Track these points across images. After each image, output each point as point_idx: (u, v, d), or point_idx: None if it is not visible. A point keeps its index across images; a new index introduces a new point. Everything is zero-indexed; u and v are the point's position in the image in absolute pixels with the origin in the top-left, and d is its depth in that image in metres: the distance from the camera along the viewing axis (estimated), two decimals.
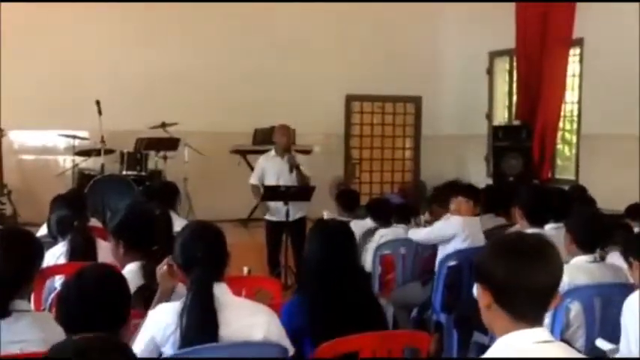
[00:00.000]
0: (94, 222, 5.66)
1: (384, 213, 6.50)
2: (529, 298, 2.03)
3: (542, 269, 2.03)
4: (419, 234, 5.82)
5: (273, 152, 7.87)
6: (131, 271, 3.42)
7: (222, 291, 2.89)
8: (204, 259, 2.88)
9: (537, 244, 2.08)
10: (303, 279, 3.37)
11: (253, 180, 7.89)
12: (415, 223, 6.65)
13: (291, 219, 7.54)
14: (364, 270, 3.57)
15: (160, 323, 2.82)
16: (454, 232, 5.50)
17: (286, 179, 7.67)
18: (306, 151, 10.09)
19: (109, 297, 2.44)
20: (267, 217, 7.81)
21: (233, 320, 2.83)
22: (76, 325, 2.32)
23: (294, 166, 7.63)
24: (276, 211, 7.62)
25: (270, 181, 7.69)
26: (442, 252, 5.53)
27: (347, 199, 7.25)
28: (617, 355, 3.39)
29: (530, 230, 4.55)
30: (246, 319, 2.86)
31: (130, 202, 5.75)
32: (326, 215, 6.98)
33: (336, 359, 2.95)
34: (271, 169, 7.77)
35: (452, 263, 5.37)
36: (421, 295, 5.64)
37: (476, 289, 2.12)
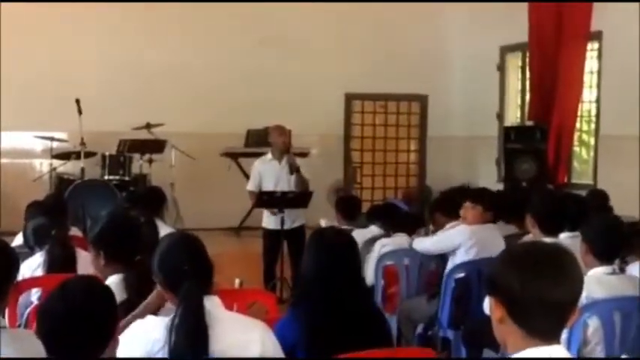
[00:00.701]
0: (75, 231, 5.66)
1: (394, 218, 6.51)
2: (545, 313, 2.03)
3: (560, 281, 2.03)
4: (423, 243, 5.82)
5: (269, 155, 7.86)
6: (112, 284, 3.41)
7: (213, 304, 2.90)
8: (191, 271, 2.89)
9: (555, 253, 2.08)
10: (300, 292, 3.36)
11: (251, 187, 7.86)
12: (424, 233, 6.64)
13: (288, 227, 7.54)
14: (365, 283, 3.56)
15: (148, 338, 2.82)
16: (459, 242, 5.50)
17: (285, 184, 7.66)
18: (303, 154, 10.08)
19: (96, 311, 2.44)
20: (265, 225, 7.79)
21: (226, 336, 2.83)
22: (60, 342, 2.32)
23: (294, 169, 7.61)
24: (275, 218, 7.61)
25: (268, 187, 7.68)
26: (452, 263, 5.53)
27: (347, 205, 7.25)
28: None
29: (544, 239, 4.55)
30: (240, 334, 2.87)
31: (112, 209, 5.75)
32: (323, 223, 6.97)
33: None
34: (268, 173, 7.75)
35: (460, 275, 5.37)
36: (427, 311, 5.63)
37: (487, 302, 2.12)
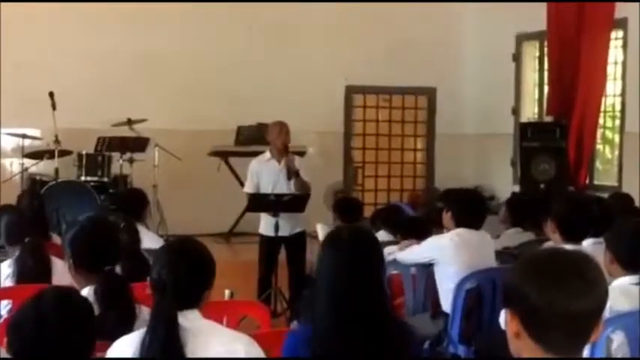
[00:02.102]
0: (56, 238, 5.66)
1: (399, 223, 6.51)
2: (566, 326, 2.03)
3: (582, 292, 2.03)
4: (404, 252, 5.81)
5: (267, 155, 7.84)
6: (88, 296, 3.41)
7: (192, 318, 2.93)
8: (172, 281, 2.91)
9: (577, 261, 2.08)
10: (312, 303, 3.17)
11: (248, 189, 7.84)
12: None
13: (288, 234, 7.54)
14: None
15: (121, 356, 2.86)
16: (429, 255, 5.53)
17: (284, 187, 7.66)
18: (299, 153, 10.07)
19: (73, 325, 2.43)
20: (263, 231, 7.77)
21: (207, 348, 2.85)
22: (33, 358, 2.32)
23: (293, 172, 7.59)
24: (270, 224, 7.60)
25: (266, 190, 7.68)
26: (438, 274, 5.54)
27: (346, 208, 7.24)
28: None
29: (565, 246, 4.55)
30: (222, 347, 2.89)
31: (90, 213, 5.75)
32: (320, 229, 6.97)
33: None
34: (266, 175, 7.74)
35: (470, 286, 5.37)
36: (432, 327, 5.62)
37: (503, 315, 2.12)
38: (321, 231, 7.01)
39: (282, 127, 7.81)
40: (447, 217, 5.63)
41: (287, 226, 7.58)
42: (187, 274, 2.97)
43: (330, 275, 3.09)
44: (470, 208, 5.63)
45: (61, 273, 4.06)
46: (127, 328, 3.12)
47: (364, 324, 3.02)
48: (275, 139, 7.75)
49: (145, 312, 3.21)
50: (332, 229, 3.50)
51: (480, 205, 5.81)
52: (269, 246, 7.64)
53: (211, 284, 3.04)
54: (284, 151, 7.68)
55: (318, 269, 3.17)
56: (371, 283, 3.09)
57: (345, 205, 7.34)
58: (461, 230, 5.50)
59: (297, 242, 7.57)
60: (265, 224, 7.71)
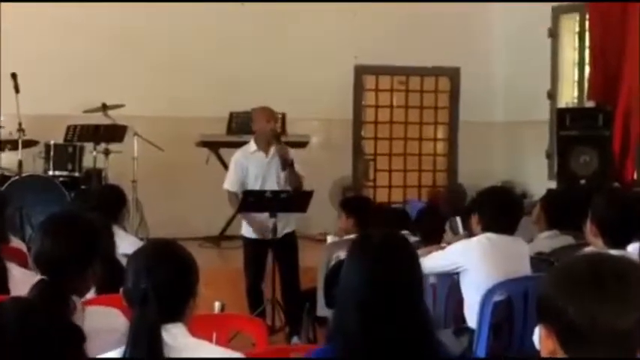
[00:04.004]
0: (16, 242, 5.66)
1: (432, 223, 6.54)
2: (608, 345, 2.02)
3: (628, 306, 2.02)
4: (429, 261, 5.80)
5: (252, 146, 7.88)
6: None
7: (177, 332, 2.94)
8: (152, 289, 2.91)
9: (622, 269, 2.07)
10: (338, 319, 3.10)
11: (229, 185, 7.87)
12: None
13: (277, 235, 7.55)
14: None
15: None
16: (453, 261, 5.54)
17: (273, 182, 7.70)
18: (301, 144, 10.09)
19: (36, 341, 2.44)
20: (245, 233, 7.80)
21: None
22: None
23: (287, 162, 7.61)
24: (256, 225, 7.62)
25: (253, 186, 7.71)
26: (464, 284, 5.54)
27: (355, 207, 7.23)
28: None
29: (609, 252, 4.55)
30: None
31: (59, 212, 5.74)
32: (330, 239, 6.98)
33: None
34: (253, 169, 7.78)
35: (499, 297, 5.37)
36: (455, 345, 5.63)
37: (537, 332, 2.12)
38: (332, 241, 7.02)
39: (270, 113, 7.89)
40: (474, 221, 5.63)
41: (277, 225, 7.60)
42: (168, 279, 2.97)
43: (359, 289, 3.01)
44: (500, 210, 5.61)
45: (19, 282, 4.06)
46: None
47: (404, 349, 2.96)
48: (262, 126, 7.80)
49: (123, 325, 3.20)
50: (360, 234, 3.41)
51: (513, 206, 5.80)
52: (254, 249, 7.66)
53: (196, 291, 3.04)
54: (275, 140, 7.71)
55: (343, 281, 3.10)
56: (411, 299, 3.02)
57: (354, 205, 7.31)
58: (491, 234, 5.49)
59: (287, 244, 7.58)
60: (247, 226, 7.76)
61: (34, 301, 3.10)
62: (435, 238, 6.44)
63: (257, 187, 7.67)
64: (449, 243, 6.42)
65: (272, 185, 7.67)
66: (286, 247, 7.58)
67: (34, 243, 3.51)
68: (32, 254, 3.51)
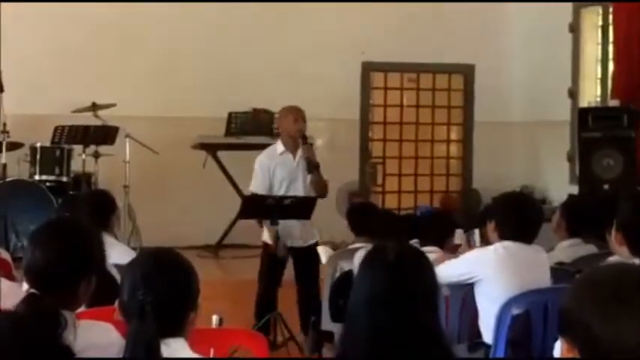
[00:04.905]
0: (2, 252, 5.68)
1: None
2: None
3: None
4: (442, 270, 5.79)
5: (280, 147, 7.87)
6: None
7: (177, 346, 2.95)
8: (151, 301, 2.91)
9: None
10: (348, 335, 3.10)
11: (255, 189, 7.81)
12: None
13: (300, 245, 7.57)
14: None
15: None
16: (468, 271, 5.54)
17: (301, 187, 7.71)
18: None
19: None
20: (267, 239, 7.76)
21: None
22: None
23: (313, 165, 7.63)
24: (282, 231, 7.58)
25: (279, 191, 7.69)
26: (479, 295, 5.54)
27: (362, 216, 7.24)
28: None
29: (635, 262, 4.54)
30: None
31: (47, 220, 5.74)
32: (322, 252, 7.00)
33: None
34: (280, 172, 7.76)
35: (517, 311, 5.37)
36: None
37: (558, 346, 2.12)
38: (324, 254, 7.02)
39: (298, 112, 7.90)
40: (490, 229, 5.63)
41: (301, 234, 7.58)
42: (168, 291, 2.98)
43: (369, 307, 3.01)
44: (518, 217, 5.61)
45: (6, 295, 4.06)
46: None
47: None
48: (290, 126, 7.80)
49: (116, 338, 3.21)
50: (373, 246, 3.33)
51: (531, 212, 5.79)
52: (273, 256, 7.64)
53: (196, 304, 3.05)
54: (302, 141, 7.74)
55: (354, 296, 3.10)
56: (425, 315, 3.02)
57: (360, 213, 7.32)
58: (508, 243, 5.49)
59: (309, 255, 7.56)
60: (270, 230, 7.73)
61: (25, 316, 3.10)
62: (443, 245, 6.42)
63: (281, 192, 7.65)
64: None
65: (298, 190, 7.66)
66: (309, 259, 7.56)
67: (25, 254, 3.51)
68: (23, 266, 3.50)
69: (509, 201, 5.87)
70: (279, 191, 7.68)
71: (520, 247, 5.48)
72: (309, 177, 7.69)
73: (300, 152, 7.75)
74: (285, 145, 7.82)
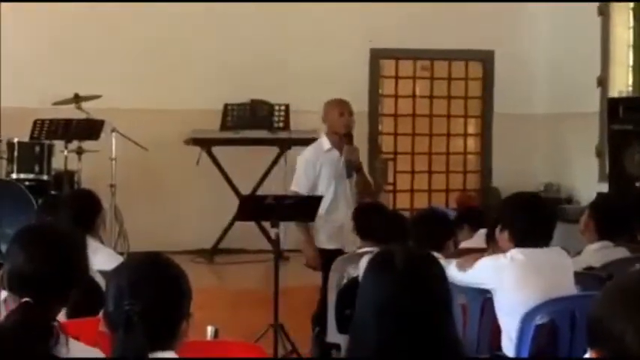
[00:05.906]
0: None
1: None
2: None
3: None
4: (460, 273, 5.78)
5: (326, 143, 7.90)
6: None
7: None
8: (139, 311, 2.92)
9: None
10: (354, 346, 3.12)
11: (297, 187, 7.81)
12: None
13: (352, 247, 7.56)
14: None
15: None
16: (483, 279, 5.54)
17: (346, 185, 7.74)
18: (308, 140, 10.07)
19: None
20: (321, 244, 7.73)
21: None
22: None
23: (355, 167, 7.68)
24: (332, 233, 7.62)
25: (323, 191, 7.69)
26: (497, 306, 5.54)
27: (368, 218, 7.23)
28: None
29: None
30: None
31: (25, 223, 5.75)
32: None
33: None
34: (326, 170, 7.79)
35: (541, 320, 5.38)
36: None
37: (588, 357, 2.11)
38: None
39: (344, 106, 8.00)
40: (502, 237, 5.60)
41: (354, 237, 7.40)
42: (156, 299, 2.99)
43: (376, 316, 3.02)
44: (531, 220, 5.60)
45: None
46: None
47: None
48: (334, 121, 7.86)
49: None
50: (379, 251, 3.36)
51: (543, 212, 5.78)
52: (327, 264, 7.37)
53: (188, 313, 3.04)
54: (346, 139, 7.78)
55: (360, 304, 3.11)
56: (437, 324, 3.03)
57: (368, 214, 7.32)
58: (525, 249, 5.48)
59: None
60: (327, 233, 7.71)
61: (16, 327, 3.11)
62: (441, 249, 6.40)
63: (329, 192, 7.68)
64: None
65: (345, 189, 7.72)
66: None
67: (7, 260, 3.51)
68: (5, 273, 3.51)
69: (518, 205, 5.84)
70: (326, 192, 7.67)
71: (538, 252, 5.47)
72: (354, 177, 7.71)
73: (345, 149, 7.76)
74: (332, 142, 7.84)
